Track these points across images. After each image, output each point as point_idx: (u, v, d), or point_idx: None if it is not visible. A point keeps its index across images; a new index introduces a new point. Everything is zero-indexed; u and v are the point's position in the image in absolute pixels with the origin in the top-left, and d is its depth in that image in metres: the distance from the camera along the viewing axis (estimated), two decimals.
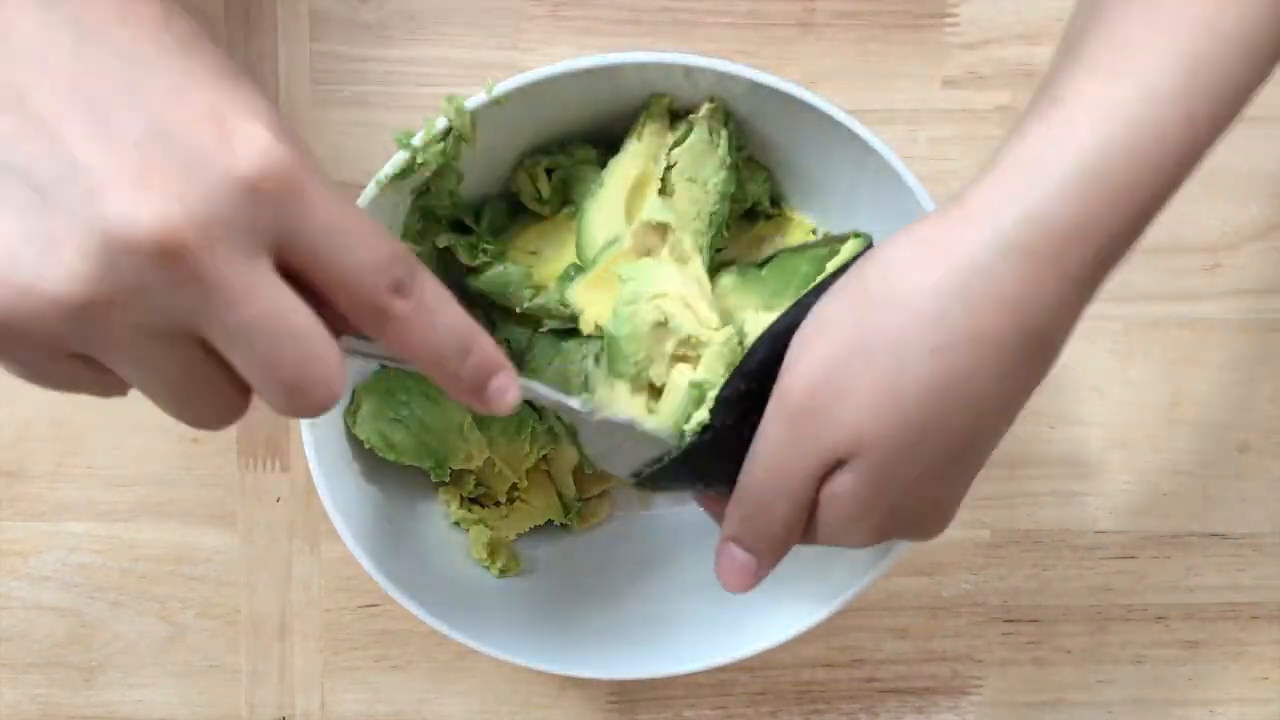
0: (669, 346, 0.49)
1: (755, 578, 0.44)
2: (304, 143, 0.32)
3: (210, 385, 0.32)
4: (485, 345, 0.36)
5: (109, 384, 0.33)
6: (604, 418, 0.46)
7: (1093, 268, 0.37)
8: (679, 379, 0.48)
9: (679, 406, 0.47)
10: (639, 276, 0.49)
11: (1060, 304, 0.37)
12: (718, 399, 0.45)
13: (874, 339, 0.37)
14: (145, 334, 0.30)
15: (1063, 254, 0.36)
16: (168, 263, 0.28)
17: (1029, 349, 0.37)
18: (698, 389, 0.46)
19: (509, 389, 0.37)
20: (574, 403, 0.46)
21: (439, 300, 0.35)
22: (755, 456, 0.41)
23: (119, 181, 0.28)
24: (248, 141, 0.29)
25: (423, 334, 0.34)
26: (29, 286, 0.28)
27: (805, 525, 0.42)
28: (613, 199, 0.52)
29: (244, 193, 0.29)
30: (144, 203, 0.28)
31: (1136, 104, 0.35)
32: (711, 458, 0.45)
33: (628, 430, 0.46)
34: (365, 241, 0.32)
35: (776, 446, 0.40)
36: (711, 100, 0.52)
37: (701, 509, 0.51)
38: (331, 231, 0.31)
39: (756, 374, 0.43)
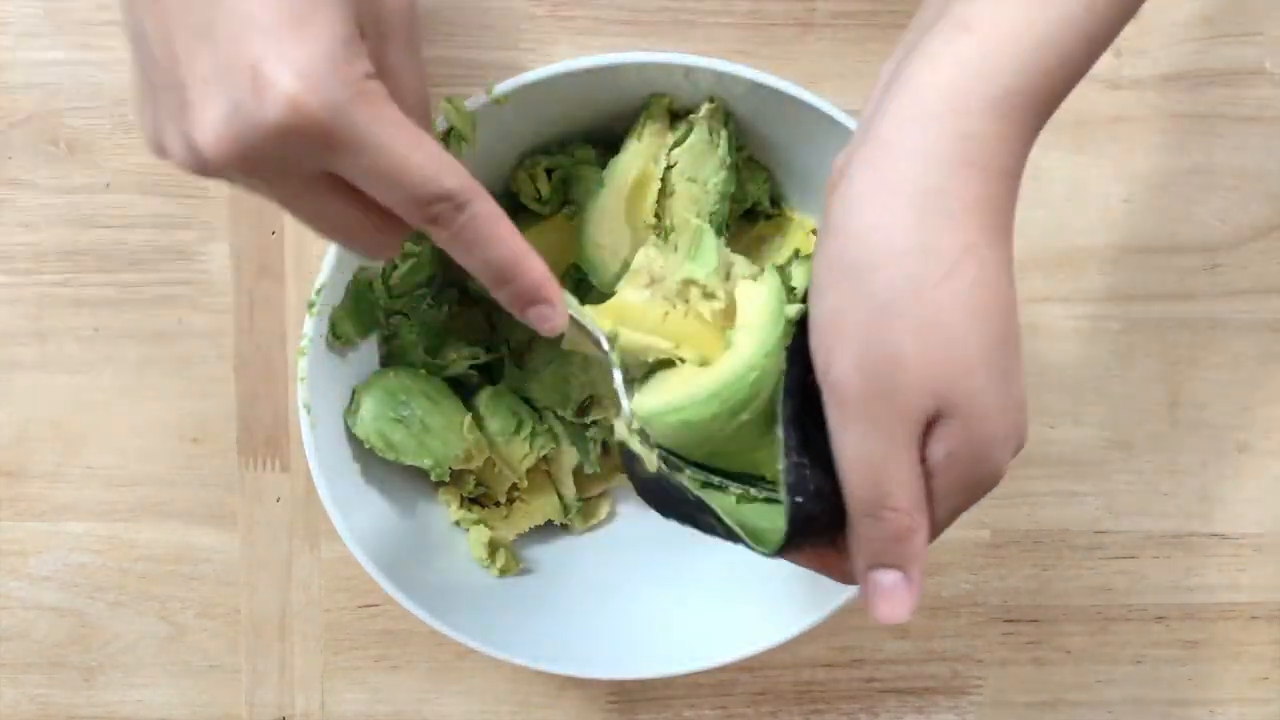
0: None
1: (912, 595, 0.40)
2: (360, 80, 0.36)
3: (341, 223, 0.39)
4: (527, 276, 0.41)
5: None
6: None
7: (1023, 153, 0.39)
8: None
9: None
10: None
11: (1009, 175, 0.39)
12: (786, 470, 0.41)
13: (887, 302, 0.37)
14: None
15: (999, 155, 0.38)
16: (230, 173, 0.37)
17: (1001, 225, 0.38)
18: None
19: (550, 318, 0.42)
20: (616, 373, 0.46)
21: (479, 235, 0.39)
22: (850, 467, 0.39)
23: (198, 106, 0.36)
24: (275, 97, 0.34)
25: (464, 259, 0.40)
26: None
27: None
28: (613, 200, 0.52)
29: (275, 139, 0.35)
30: (208, 129, 0.35)
31: (1044, 26, 0.38)
32: (814, 506, 0.41)
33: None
34: (400, 181, 0.37)
35: (863, 445, 0.38)
36: (711, 100, 0.52)
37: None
38: (364, 171, 0.36)
39: (796, 420, 0.41)
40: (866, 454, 0.38)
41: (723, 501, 0.44)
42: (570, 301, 0.44)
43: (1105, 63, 0.60)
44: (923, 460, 0.39)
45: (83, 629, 0.62)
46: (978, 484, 0.39)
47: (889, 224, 0.37)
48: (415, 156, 0.37)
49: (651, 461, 0.44)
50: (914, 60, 0.38)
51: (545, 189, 0.55)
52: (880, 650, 0.63)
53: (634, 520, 0.61)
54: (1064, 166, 0.61)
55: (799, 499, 0.40)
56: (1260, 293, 0.62)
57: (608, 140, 0.54)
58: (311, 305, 0.50)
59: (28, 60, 0.59)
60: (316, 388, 0.51)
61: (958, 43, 0.38)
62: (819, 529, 0.41)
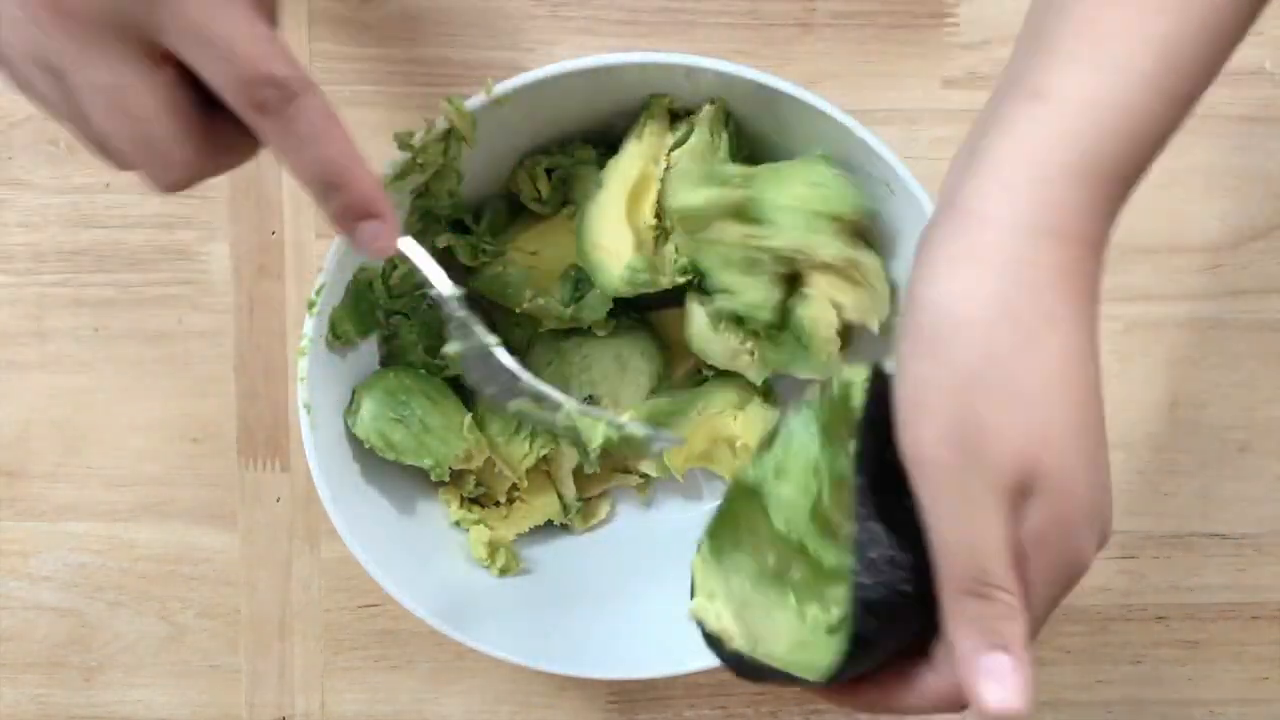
0: None
1: (1025, 680, 0.36)
2: None
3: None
4: (359, 186, 0.37)
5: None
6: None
7: (1107, 221, 0.38)
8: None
9: None
10: None
11: (1093, 244, 0.38)
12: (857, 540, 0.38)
13: (970, 371, 0.36)
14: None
15: (1081, 223, 0.37)
16: (52, 31, 0.34)
17: (1086, 293, 0.37)
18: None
19: (379, 236, 0.39)
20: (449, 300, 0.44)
21: (310, 130, 0.36)
22: (946, 545, 0.36)
23: None
24: None
25: (289, 156, 0.36)
26: None
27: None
28: (613, 201, 0.52)
29: None
30: None
31: (1120, 90, 0.37)
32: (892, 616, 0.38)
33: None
34: (231, 55, 0.34)
35: (958, 519, 0.36)
36: (713, 101, 0.52)
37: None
38: (192, 41, 0.34)
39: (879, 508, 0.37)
40: (963, 528, 0.36)
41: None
42: (413, 248, 0.42)
43: None
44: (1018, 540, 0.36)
45: (83, 629, 0.62)
46: (1068, 567, 0.37)
47: (970, 293, 0.36)
48: (249, 30, 0.34)
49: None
50: (991, 132, 0.38)
51: (545, 189, 0.55)
52: None
53: (634, 520, 0.61)
54: None
55: (869, 578, 0.37)
56: (1260, 293, 0.62)
57: (608, 140, 0.54)
58: (311, 305, 0.50)
59: None
60: (316, 388, 0.51)
61: (1033, 111, 0.37)
62: (894, 624, 0.38)
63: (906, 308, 0.38)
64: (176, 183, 0.37)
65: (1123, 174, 0.37)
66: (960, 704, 0.38)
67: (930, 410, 0.36)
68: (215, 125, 0.37)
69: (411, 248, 0.42)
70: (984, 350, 0.36)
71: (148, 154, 0.36)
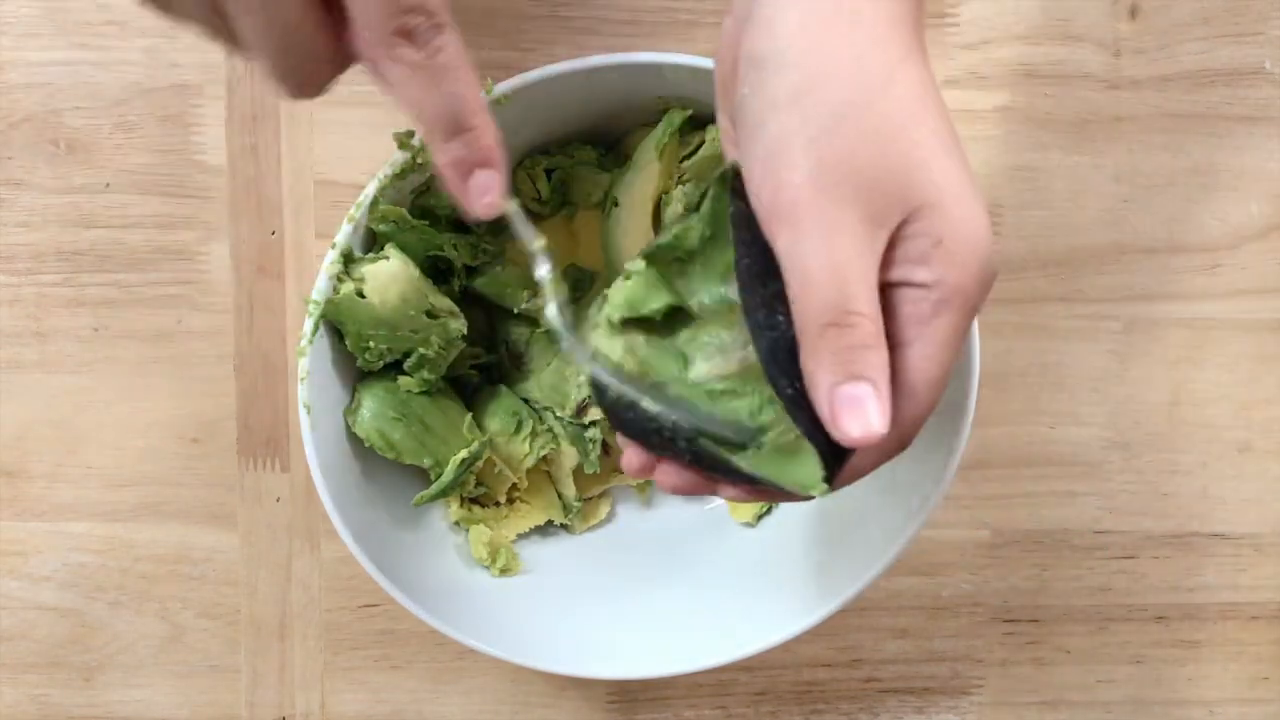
0: None
1: (885, 407, 0.36)
2: None
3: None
4: (483, 134, 0.37)
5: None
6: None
7: None
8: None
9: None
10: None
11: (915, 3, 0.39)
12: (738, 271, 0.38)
13: (834, 116, 0.36)
14: None
15: None
16: None
17: (919, 43, 0.39)
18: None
19: (491, 190, 0.37)
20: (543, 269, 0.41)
21: (451, 66, 0.35)
22: (807, 278, 0.36)
23: None
24: None
25: (421, 91, 0.35)
26: None
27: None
28: (637, 221, 0.53)
29: None
30: None
31: None
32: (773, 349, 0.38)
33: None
34: None
35: (822, 251, 0.36)
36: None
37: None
38: None
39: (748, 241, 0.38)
40: (827, 260, 0.36)
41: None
42: (514, 210, 0.41)
43: (1105, 63, 0.60)
44: (900, 283, 0.37)
45: (82, 629, 0.62)
46: (979, 273, 0.37)
47: (820, 47, 0.37)
48: None
49: (615, 351, 0.41)
50: None
51: (545, 189, 0.55)
52: (880, 650, 0.63)
53: (634, 520, 0.61)
54: (1064, 166, 0.61)
55: (769, 330, 0.37)
56: (1260, 293, 0.62)
57: (608, 140, 0.54)
58: (312, 304, 0.50)
59: (27, 60, 0.59)
60: (316, 387, 0.51)
61: None
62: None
63: (746, 73, 0.38)
64: (310, 85, 0.36)
65: None
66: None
67: (794, 159, 0.36)
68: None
69: (513, 210, 0.40)
70: (844, 96, 0.36)
71: (287, 64, 0.36)
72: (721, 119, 0.42)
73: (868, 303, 0.36)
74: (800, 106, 0.36)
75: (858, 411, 0.36)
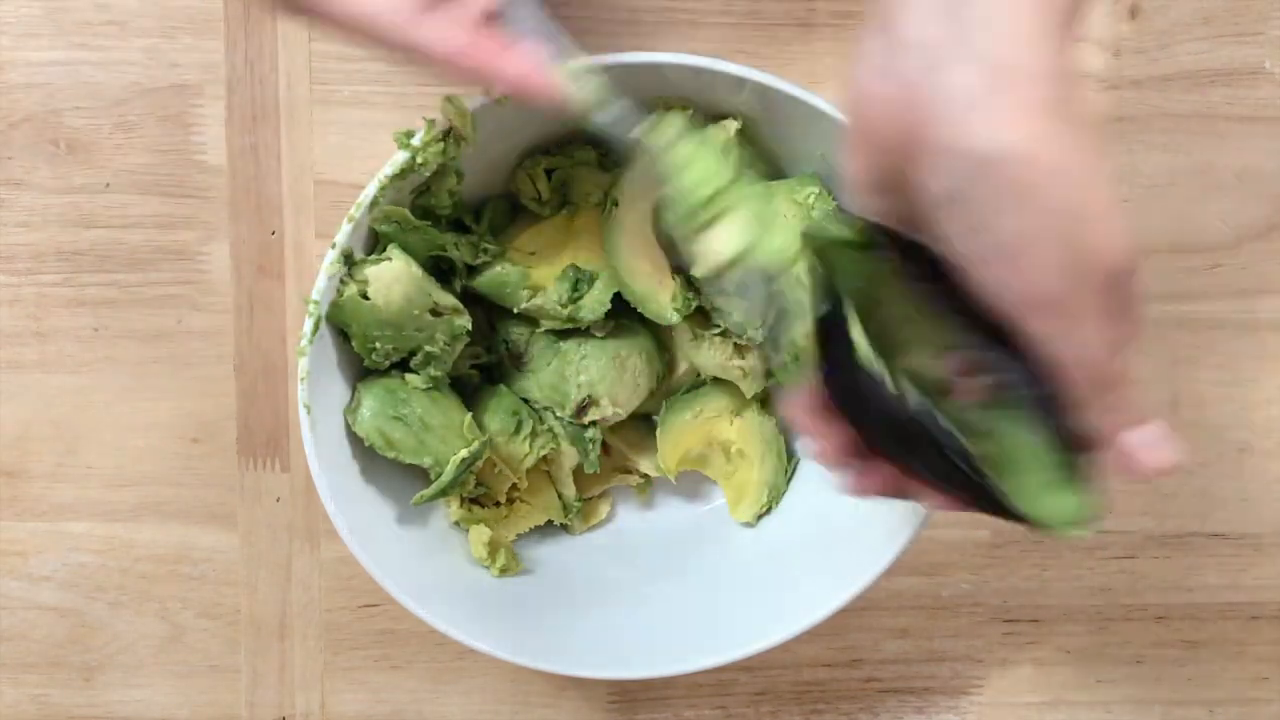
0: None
1: (1167, 431, 0.42)
2: None
3: None
4: None
5: None
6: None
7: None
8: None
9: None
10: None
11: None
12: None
13: (1068, 208, 0.38)
14: None
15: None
16: None
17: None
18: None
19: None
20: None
21: None
22: (1074, 364, 0.39)
23: None
24: None
25: None
26: None
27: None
28: (637, 221, 0.54)
29: None
30: None
31: None
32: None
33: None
34: None
35: (1073, 340, 0.39)
36: (736, 117, 0.52)
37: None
38: None
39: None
40: (1083, 350, 0.39)
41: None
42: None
43: (1105, 63, 0.60)
44: None
45: (82, 629, 0.62)
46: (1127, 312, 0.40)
47: (1041, 141, 0.38)
48: None
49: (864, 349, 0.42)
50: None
51: (545, 189, 0.55)
52: (880, 650, 0.63)
53: (634, 520, 0.61)
54: None
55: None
56: (1260, 293, 0.62)
57: (608, 141, 0.54)
58: (312, 304, 0.50)
59: (27, 60, 0.59)
60: (316, 387, 0.51)
61: None
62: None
63: (961, 172, 0.38)
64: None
65: None
66: None
67: (1038, 257, 0.38)
68: None
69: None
70: (1070, 195, 0.38)
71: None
72: (858, 170, 0.41)
73: (1118, 367, 0.40)
74: (1032, 204, 0.38)
75: (1154, 447, 0.42)
